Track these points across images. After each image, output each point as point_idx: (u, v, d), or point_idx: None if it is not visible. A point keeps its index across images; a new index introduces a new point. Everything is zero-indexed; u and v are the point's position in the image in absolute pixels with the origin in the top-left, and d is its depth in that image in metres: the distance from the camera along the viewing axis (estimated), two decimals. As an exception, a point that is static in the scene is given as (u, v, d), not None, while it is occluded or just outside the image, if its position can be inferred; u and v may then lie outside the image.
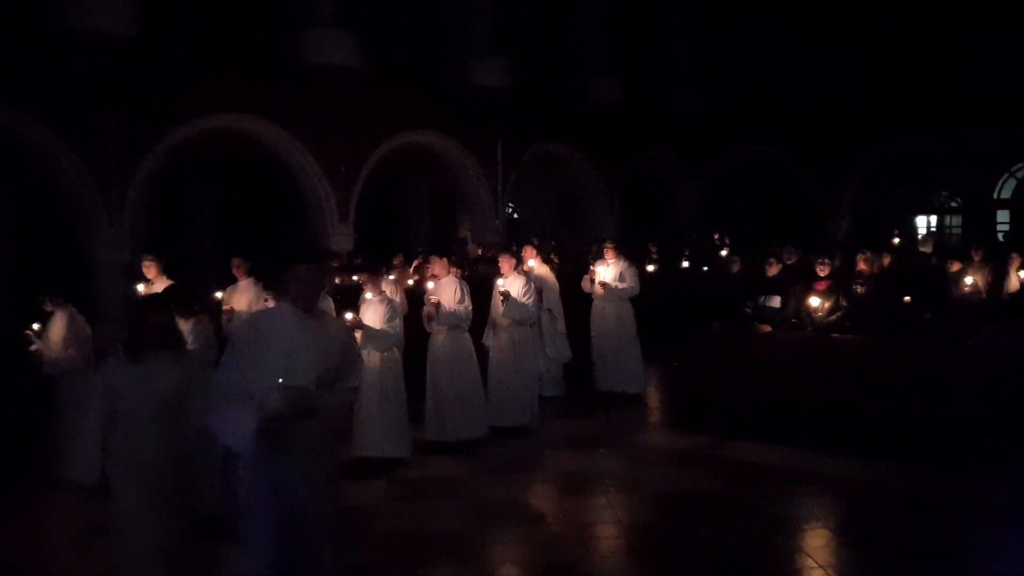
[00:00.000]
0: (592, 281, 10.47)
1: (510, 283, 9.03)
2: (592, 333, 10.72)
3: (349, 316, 7.47)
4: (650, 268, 15.06)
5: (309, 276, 4.16)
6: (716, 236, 18.55)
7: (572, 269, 14.40)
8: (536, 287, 9.50)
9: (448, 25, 18.30)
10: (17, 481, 7.54)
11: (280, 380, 3.88)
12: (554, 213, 22.71)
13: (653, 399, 11.27)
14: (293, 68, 14.93)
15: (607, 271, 10.55)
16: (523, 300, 8.98)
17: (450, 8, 18.30)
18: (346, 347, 4.48)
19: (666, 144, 22.10)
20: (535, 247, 11.47)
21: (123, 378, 4.63)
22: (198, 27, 13.82)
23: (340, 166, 15.84)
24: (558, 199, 22.72)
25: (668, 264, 15.38)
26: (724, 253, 15.89)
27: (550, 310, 10.52)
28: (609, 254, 10.65)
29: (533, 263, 10.40)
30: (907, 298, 10.01)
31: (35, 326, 7.58)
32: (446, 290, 8.60)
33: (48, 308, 7.65)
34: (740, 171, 23.13)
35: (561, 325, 10.65)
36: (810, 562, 5.57)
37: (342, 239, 16.03)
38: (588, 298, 10.79)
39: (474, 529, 6.26)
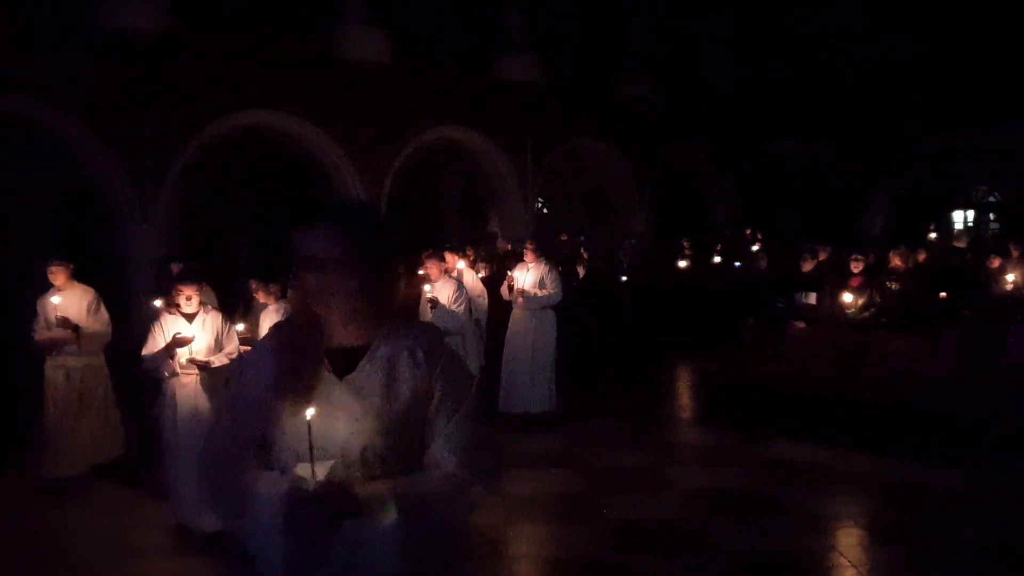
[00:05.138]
0: (510, 288, 9.15)
1: (439, 289, 8.18)
2: (505, 346, 9.31)
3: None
4: (682, 264, 15.02)
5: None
6: (748, 231, 18.42)
7: (602, 267, 14.40)
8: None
9: (479, 21, 18.30)
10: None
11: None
12: (584, 209, 22.67)
13: (684, 395, 11.22)
14: (325, 64, 15.01)
15: (526, 277, 9.19)
16: (453, 307, 8.11)
17: (481, 4, 18.30)
18: None
19: (698, 139, 21.95)
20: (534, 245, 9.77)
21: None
22: (231, 24, 13.95)
23: (371, 161, 15.92)
24: (589, 194, 22.67)
25: (700, 260, 15.31)
26: (756, 248, 15.79)
27: (479, 320, 9.46)
28: (528, 256, 9.25)
29: (462, 265, 9.51)
30: (943, 294, 9.89)
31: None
32: (441, 292, 8.17)
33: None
34: (773, 166, 22.93)
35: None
36: (843, 561, 5.51)
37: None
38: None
39: (501, 524, 6.24)
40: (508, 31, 18.18)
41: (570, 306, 10.01)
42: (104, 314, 7.51)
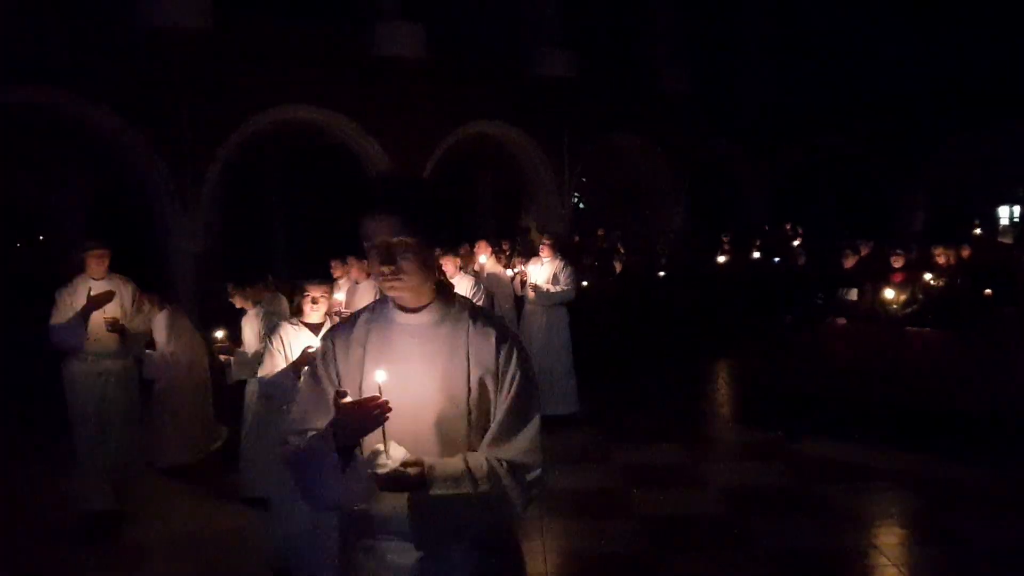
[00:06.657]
0: (523, 283, 9.07)
1: (455, 286, 8.03)
2: None
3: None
4: (721, 259, 14.92)
5: None
6: (788, 227, 18.23)
7: (639, 262, 14.34)
8: (487, 290, 8.45)
9: (516, 15, 18.27)
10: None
11: None
12: (621, 203, 22.54)
13: (721, 391, 11.13)
14: (362, 60, 15.08)
15: (540, 271, 9.08)
16: None
17: (517, -1, 18.28)
18: None
19: (736, 134, 21.74)
20: (487, 244, 9.88)
21: None
22: (268, 21, 14.05)
23: (408, 156, 15.96)
24: (625, 189, 22.55)
25: (739, 255, 15.20)
26: (796, 244, 15.62)
27: (502, 316, 9.38)
28: (544, 251, 9.16)
29: (484, 260, 9.33)
30: (988, 291, 9.68)
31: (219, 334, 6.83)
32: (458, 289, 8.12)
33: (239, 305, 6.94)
34: (813, 160, 22.65)
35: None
36: (883, 560, 5.43)
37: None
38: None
39: (536, 519, 6.21)
40: (545, 26, 18.13)
41: (600, 303, 9.82)
42: (147, 307, 6.85)
